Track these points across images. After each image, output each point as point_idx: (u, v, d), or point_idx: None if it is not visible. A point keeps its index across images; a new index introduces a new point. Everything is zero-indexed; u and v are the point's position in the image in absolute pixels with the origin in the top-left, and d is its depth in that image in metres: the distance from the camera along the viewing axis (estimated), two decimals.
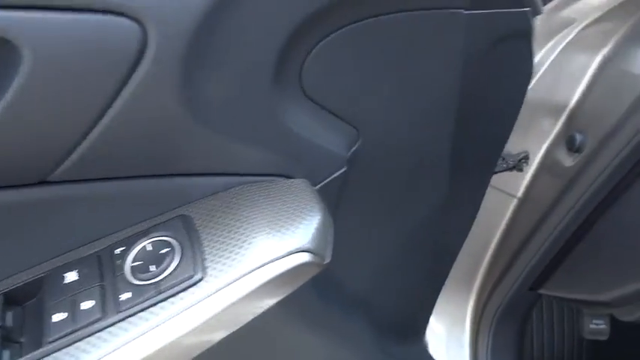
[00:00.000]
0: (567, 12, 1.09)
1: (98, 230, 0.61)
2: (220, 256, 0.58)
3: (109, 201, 0.60)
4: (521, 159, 1.21)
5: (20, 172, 0.55)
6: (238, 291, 0.56)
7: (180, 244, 0.59)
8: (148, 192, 0.61)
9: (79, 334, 0.53)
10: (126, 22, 0.50)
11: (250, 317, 0.58)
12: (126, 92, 0.52)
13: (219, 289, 0.56)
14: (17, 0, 0.47)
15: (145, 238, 0.59)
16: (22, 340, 0.54)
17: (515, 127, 1.21)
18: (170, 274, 0.56)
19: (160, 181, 0.61)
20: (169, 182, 0.62)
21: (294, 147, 0.66)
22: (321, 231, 0.62)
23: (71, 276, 0.57)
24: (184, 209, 0.63)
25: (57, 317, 0.54)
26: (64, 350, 0.53)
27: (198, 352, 0.57)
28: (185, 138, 0.58)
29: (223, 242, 0.59)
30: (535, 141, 1.20)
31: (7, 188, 0.55)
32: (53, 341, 0.53)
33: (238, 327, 0.58)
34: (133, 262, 0.57)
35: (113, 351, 0.52)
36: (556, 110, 1.15)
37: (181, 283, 0.55)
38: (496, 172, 1.22)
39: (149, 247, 0.58)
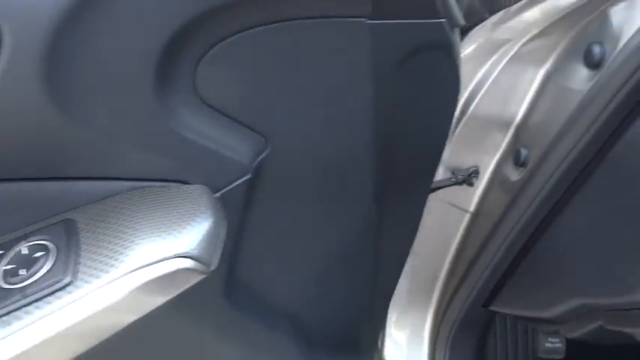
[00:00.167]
0: (508, 27, 1.08)
1: None
2: (97, 260, 0.58)
3: None
4: (471, 174, 1.20)
5: None
6: (109, 295, 0.56)
7: (57, 247, 0.58)
8: (31, 195, 0.61)
9: None
10: None
11: (125, 323, 0.58)
12: None
13: (89, 294, 0.55)
14: None
15: (24, 242, 0.59)
16: None
17: (464, 142, 1.21)
18: (40, 277, 0.56)
19: (44, 184, 0.61)
20: (54, 186, 0.61)
21: (189, 152, 0.66)
22: (206, 237, 0.61)
23: None
24: (71, 213, 0.63)
25: None
26: None
27: (71, 356, 0.56)
28: (63, 140, 0.58)
29: (103, 246, 0.59)
30: (485, 156, 1.19)
31: None
32: None
33: (113, 333, 0.57)
34: (6, 265, 0.57)
35: None
36: (504, 125, 1.14)
37: (49, 287, 0.55)
38: (445, 187, 1.21)
39: (25, 251, 0.58)
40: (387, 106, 0.80)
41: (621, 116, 0.92)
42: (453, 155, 1.21)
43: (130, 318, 0.58)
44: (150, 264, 0.57)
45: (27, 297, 0.55)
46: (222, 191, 0.69)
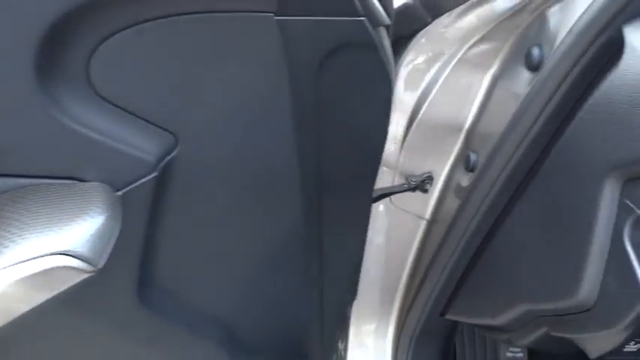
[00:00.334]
0: (452, 31, 1.08)
1: None
2: None
3: None
4: (424, 180, 1.19)
5: None
6: None
7: None
8: None
9: None
10: None
11: (4, 321, 0.57)
12: None
13: None
14: None
15: None
16: None
17: (417, 148, 1.20)
18: None
19: None
20: None
21: (84, 148, 0.65)
22: (94, 236, 0.61)
23: None
24: None
25: None
26: None
27: None
28: None
29: None
30: (438, 161, 1.18)
31: None
32: None
33: None
34: None
35: None
36: (455, 130, 1.13)
37: None
38: (396, 193, 1.20)
39: None
40: (311, 108, 0.79)
41: (559, 118, 0.91)
42: (406, 161, 1.20)
43: (11, 314, 0.58)
44: (28, 260, 0.57)
45: None
46: (124, 190, 0.69)
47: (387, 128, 0.91)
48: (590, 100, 0.84)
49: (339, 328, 1.26)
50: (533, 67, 0.96)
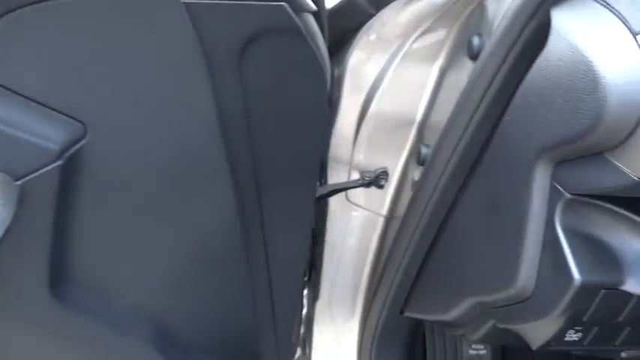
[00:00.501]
0: (397, 23, 1.07)
1: None
2: None
3: None
4: (379, 175, 1.18)
5: None
6: None
7: None
8: None
9: None
10: None
11: None
12: None
13: None
14: None
15: None
16: None
17: (371, 143, 1.19)
18: None
19: None
20: None
21: None
22: None
23: None
24: None
25: None
26: None
27: None
28: None
29: None
30: (393, 156, 1.16)
31: None
32: None
33: None
34: None
35: None
36: (407, 124, 1.12)
37: None
38: (349, 188, 1.19)
39: None
40: (235, 97, 0.78)
41: (498, 107, 0.90)
42: (360, 157, 1.18)
43: None
44: None
45: None
46: (24, 179, 0.67)
47: (325, 120, 0.90)
48: (522, 87, 0.83)
49: (297, 327, 1.25)
50: (474, 56, 0.95)
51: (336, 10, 1.09)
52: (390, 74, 1.10)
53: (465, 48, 0.99)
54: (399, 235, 1.14)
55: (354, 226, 1.26)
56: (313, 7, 0.78)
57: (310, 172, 0.95)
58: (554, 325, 0.82)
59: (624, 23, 0.70)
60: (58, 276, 0.74)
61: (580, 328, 0.84)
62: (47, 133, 0.68)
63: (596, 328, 0.84)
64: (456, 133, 0.97)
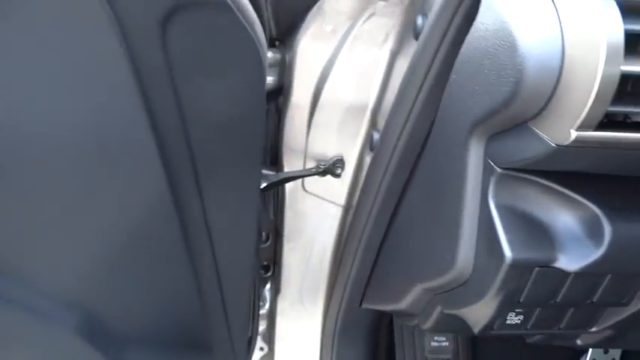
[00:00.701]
0: (344, 5, 1.05)
1: None
2: None
3: None
4: (335, 163, 1.16)
5: None
6: None
7: None
8: None
9: None
10: None
11: None
12: None
13: None
14: None
15: None
16: None
17: (326, 130, 1.17)
18: None
19: None
20: None
21: None
22: None
23: None
24: None
25: None
26: None
27: None
28: None
29: None
30: (348, 144, 1.14)
31: None
32: None
33: None
34: None
35: None
36: (361, 110, 1.10)
37: None
38: (301, 177, 1.17)
39: None
40: (159, 76, 0.76)
41: (439, 86, 0.88)
42: (315, 145, 1.16)
43: None
44: None
45: None
46: None
47: (264, 99, 0.87)
48: (456, 62, 0.81)
49: (255, 321, 1.22)
50: (418, 37, 0.94)
51: None
52: (340, 59, 1.08)
53: (412, 29, 0.98)
54: (353, 224, 1.12)
55: (313, 217, 1.24)
56: None
57: (251, 157, 0.93)
58: (491, 306, 0.80)
59: None
60: None
61: (520, 310, 0.82)
62: None
63: (537, 310, 0.82)
64: (402, 116, 0.95)
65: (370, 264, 1.12)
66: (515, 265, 0.74)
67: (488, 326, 0.83)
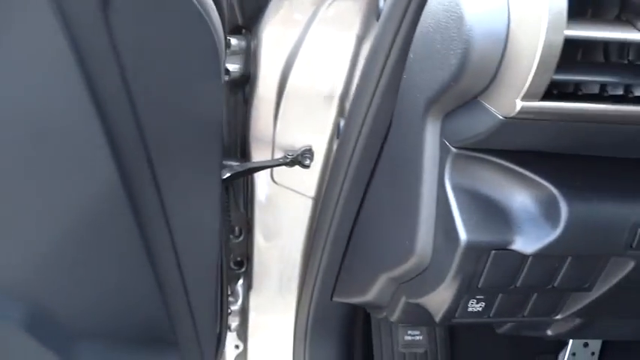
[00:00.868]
0: None
1: None
2: None
3: None
4: (304, 153, 1.13)
5: None
6: None
7: None
8: None
9: None
10: None
11: None
12: None
13: None
14: None
15: None
16: None
17: (293, 120, 1.14)
18: None
19: None
20: None
21: None
22: None
23: None
24: None
25: None
26: None
27: None
28: None
29: None
30: (317, 134, 1.12)
31: None
32: None
33: None
34: None
35: None
36: (328, 98, 1.08)
37: None
38: (268, 167, 1.15)
39: None
40: (104, 58, 0.74)
41: (400, 66, 0.85)
42: (283, 135, 1.14)
43: None
44: None
45: None
46: None
47: (221, 86, 0.85)
48: (413, 40, 0.78)
49: (223, 317, 1.20)
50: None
51: None
52: (305, 45, 1.05)
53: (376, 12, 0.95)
54: (321, 215, 1.09)
55: (285, 210, 1.21)
56: None
57: (210, 145, 0.90)
58: (450, 292, 0.77)
59: None
60: None
61: (481, 297, 0.79)
62: None
63: (499, 297, 0.79)
64: (365, 100, 0.92)
65: (340, 256, 1.09)
66: (471, 247, 0.71)
67: (450, 314, 0.81)
